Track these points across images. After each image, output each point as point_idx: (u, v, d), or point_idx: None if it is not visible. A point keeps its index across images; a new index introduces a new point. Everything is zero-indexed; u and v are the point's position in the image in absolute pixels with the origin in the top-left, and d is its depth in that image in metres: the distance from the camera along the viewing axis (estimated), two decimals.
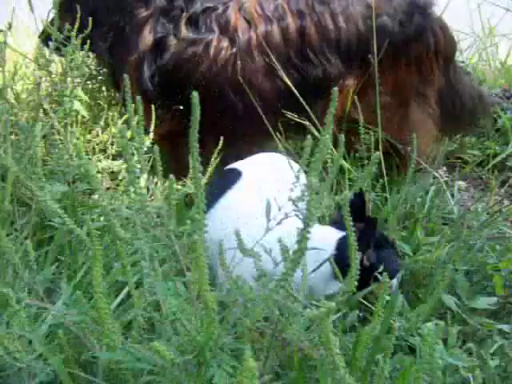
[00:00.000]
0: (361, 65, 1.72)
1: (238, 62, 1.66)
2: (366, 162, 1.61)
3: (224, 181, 1.36)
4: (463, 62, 2.73)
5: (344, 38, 1.71)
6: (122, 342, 0.71)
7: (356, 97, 1.72)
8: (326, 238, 1.14)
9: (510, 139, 2.25)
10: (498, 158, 2.19)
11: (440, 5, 1.94)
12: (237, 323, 0.71)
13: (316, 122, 1.60)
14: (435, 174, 1.78)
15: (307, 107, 1.60)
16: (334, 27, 1.70)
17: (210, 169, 1.53)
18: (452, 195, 1.99)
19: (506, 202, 2.09)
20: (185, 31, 1.66)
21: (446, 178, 2.22)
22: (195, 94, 0.67)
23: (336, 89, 0.83)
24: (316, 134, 1.64)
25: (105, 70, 1.96)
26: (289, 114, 1.65)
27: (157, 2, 1.68)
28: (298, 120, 1.62)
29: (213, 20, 1.67)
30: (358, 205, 1.14)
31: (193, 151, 0.65)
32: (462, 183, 2.23)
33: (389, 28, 1.73)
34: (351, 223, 0.85)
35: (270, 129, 1.65)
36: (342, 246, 1.12)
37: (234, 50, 1.66)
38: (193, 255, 0.59)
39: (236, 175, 1.34)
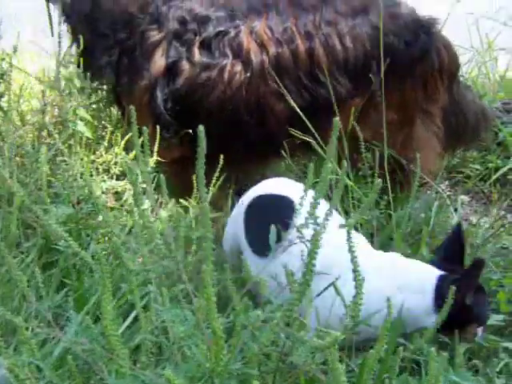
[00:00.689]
0: (368, 84, 1.75)
1: (252, 86, 1.68)
2: (370, 180, 1.62)
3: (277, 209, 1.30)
4: (463, 75, 2.74)
5: (351, 58, 1.74)
6: (131, 367, 0.72)
7: (363, 115, 1.74)
8: (425, 274, 1.20)
9: (511, 153, 2.26)
10: (500, 172, 2.20)
11: (439, 21, 1.96)
12: (244, 348, 0.72)
13: (320, 141, 1.62)
14: (438, 189, 1.79)
15: (312, 129, 1.62)
16: (342, 47, 1.73)
17: (213, 189, 1.54)
18: (455, 210, 2.01)
19: (508, 216, 2.10)
20: (198, 55, 1.69)
21: (448, 193, 2.24)
22: (201, 128, 0.68)
23: (337, 118, 0.86)
24: (321, 153, 1.66)
25: (104, 86, 1.96)
26: (298, 134, 1.67)
27: (170, 25, 1.70)
28: (307, 139, 1.64)
29: (226, 44, 1.69)
30: (454, 242, 1.24)
31: (200, 181, 0.66)
32: (464, 198, 2.24)
33: (395, 47, 1.76)
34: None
35: (284, 152, 1.67)
36: (441, 282, 1.18)
37: (248, 73, 1.69)
38: (202, 284, 0.60)
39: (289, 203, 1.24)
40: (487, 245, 1.70)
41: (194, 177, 1.42)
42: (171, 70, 1.68)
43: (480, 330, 1.21)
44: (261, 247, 1.17)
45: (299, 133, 1.65)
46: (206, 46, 1.68)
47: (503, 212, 2.11)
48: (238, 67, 1.67)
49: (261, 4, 1.74)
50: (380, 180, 0.90)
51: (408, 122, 1.83)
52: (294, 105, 1.62)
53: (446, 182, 2.29)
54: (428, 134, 1.88)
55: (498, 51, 2.86)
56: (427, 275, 1.20)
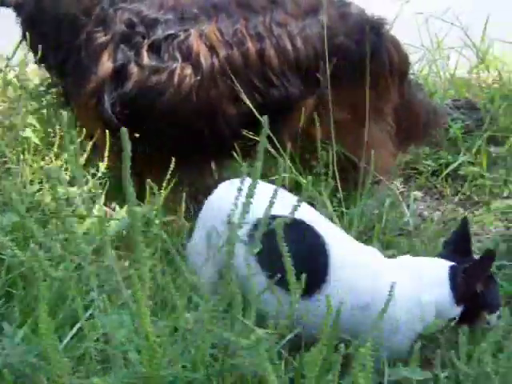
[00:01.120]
0: (320, 84, 1.76)
1: (203, 89, 1.67)
2: (324, 178, 1.64)
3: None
4: (414, 74, 2.80)
5: (303, 59, 1.74)
6: (71, 377, 0.70)
7: (316, 114, 1.76)
8: (438, 268, 1.27)
9: (461, 149, 2.32)
10: (451, 167, 2.25)
11: (388, 20, 1.99)
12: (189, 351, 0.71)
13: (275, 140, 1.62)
14: (390, 186, 1.82)
15: (269, 131, 1.61)
16: (293, 48, 1.74)
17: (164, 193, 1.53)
18: (408, 206, 2.04)
19: (460, 210, 2.15)
20: (147, 59, 1.67)
21: (402, 190, 2.28)
22: (124, 130, 0.67)
23: (265, 116, 0.87)
24: (274, 153, 1.67)
25: (54, 89, 1.93)
26: (250, 135, 1.67)
27: (116, 27, 1.68)
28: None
29: (175, 47, 1.67)
30: (462, 236, 1.32)
31: (127, 185, 0.65)
32: (418, 193, 2.28)
33: (345, 47, 1.78)
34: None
35: (235, 154, 1.66)
36: (454, 273, 1.24)
37: (198, 77, 1.68)
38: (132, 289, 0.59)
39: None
40: (439, 238, 1.73)
41: (148, 181, 1.43)
42: (119, 74, 1.65)
43: (494, 317, 1.26)
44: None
45: (251, 134, 1.65)
46: (154, 49, 1.66)
47: (455, 206, 2.17)
48: (188, 70, 1.66)
49: (210, 7, 1.73)
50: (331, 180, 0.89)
51: (360, 121, 1.85)
52: (251, 105, 1.61)
53: (401, 179, 2.32)
54: (381, 133, 1.91)
55: (448, 50, 2.93)
56: (441, 268, 1.26)
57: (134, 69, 1.65)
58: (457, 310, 1.24)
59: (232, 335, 0.68)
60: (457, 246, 1.32)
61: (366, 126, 1.82)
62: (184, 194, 1.76)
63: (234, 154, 1.68)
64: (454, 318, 1.24)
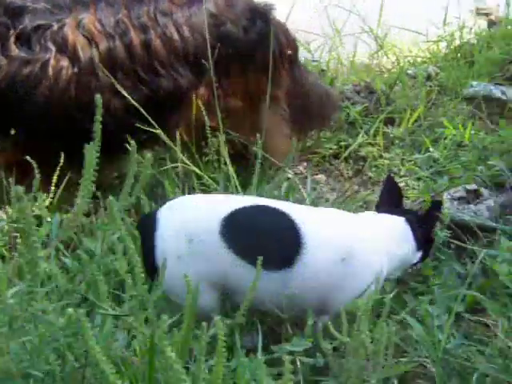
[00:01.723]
0: (211, 73, 1.74)
1: (82, 81, 1.61)
2: (217, 165, 1.64)
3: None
4: (316, 61, 2.87)
5: (191, 48, 1.72)
6: None
7: (209, 103, 1.75)
8: (395, 222, 1.39)
9: (359, 131, 2.39)
10: (350, 149, 2.32)
11: (285, 9, 2.01)
12: None
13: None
14: (287, 169, 1.85)
15: (153, 122, 1.59)
16: (180, 38, 1.71)
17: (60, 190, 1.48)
18: (314, 189, 2.09)
19: (361, 190, 2.22)
20: (16, 50, 1.58)
21: (306, 174, 2.32)
22: None
23: (98, 95, 0.85)
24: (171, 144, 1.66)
25: None
26: (143, 127, 1.63)
27: None
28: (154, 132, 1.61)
29: (48, 38, 1.60)
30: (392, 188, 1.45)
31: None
32: (321, 176, 2.34)
33: (234, 35, 1.77)
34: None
35: (130, 146, 1.61)
36: (412, 225, 1.38)
37: (76, 69, 1.62)
38: None
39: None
40: None
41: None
42: None
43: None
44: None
45: (142, 125, 1.62)
46: (24, 40, 1.58)
47: (356, 187, 2.24)
48: (64, 62, 1.60)
49: None
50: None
51: (254, 108, 1.87)
52: (129, 97, 1.58)
53: (304, 163, 2.37)
54: (275, 118, 1.93)
55: (348, 37, 3.02)
56: (401, 222, 1.38)
57: (2, 61, 1.56)
58: (418, 256, 1.39)
59: None
60: (390, 199, 1.44)
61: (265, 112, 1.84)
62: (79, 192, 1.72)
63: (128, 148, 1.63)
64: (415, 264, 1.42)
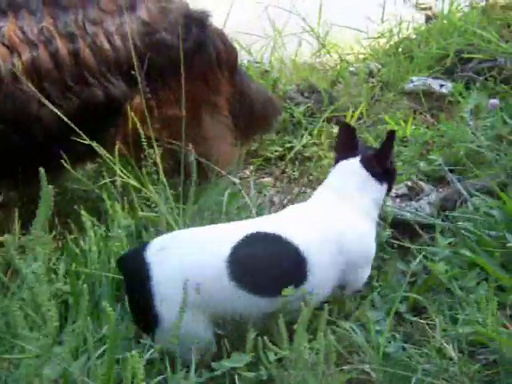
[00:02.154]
0: (147, 82, 1.69)
1: (5, 93, 1.55)
2: (156, 177, 1.60)
3: None
4: (259, 62, 2.86)
5: (123, 58, 1.67)
6: None
7: (148, 113, 1.71)
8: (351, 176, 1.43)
9: (303, 132, 2.40)
10: (295, 150, 2.32)
11: (223, 12, 1.98)
12: None
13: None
14: (232, 177, 1.83)
15: (83, 134, 1.54)
16: (111, 47, 1.66)
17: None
18: (260, 192, 2.08)
19: (308, 191, 2.22)
20: None
21: (253, 178, 2.31)
22: None
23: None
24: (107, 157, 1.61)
25: None
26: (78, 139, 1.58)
27: None
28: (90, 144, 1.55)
29: None
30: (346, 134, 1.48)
31: None
32: (268, 179, 2.34)
33: (168, 43, 1.73)
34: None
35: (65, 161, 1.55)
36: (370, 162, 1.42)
37: None
38: None
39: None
40: None
41: None
42: None
43: None
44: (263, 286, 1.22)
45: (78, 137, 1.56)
46: None
47: (303, 188, 2.24)
48: None
49: (5, 3, 1.60)
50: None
51: (195, 116, 1.83)
52: (55, 109, 1.51)
53: (251, 167, 2.36)
54: (218, 126, 1.90)
55: (290, 37, 3.02)
56: (354, 169, 1.42)
57: None
58: (384, 188, 1.44)
59: None
60: (345, 145, 1.47)
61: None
62: (16, 210, 1.66)
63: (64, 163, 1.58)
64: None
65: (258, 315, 1.24)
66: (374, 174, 1.41)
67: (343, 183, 1.44)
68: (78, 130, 1.53)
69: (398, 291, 1.26)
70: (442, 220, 1.62)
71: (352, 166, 1.43)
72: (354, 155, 1.44)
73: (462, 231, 1.45)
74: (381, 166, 1.42)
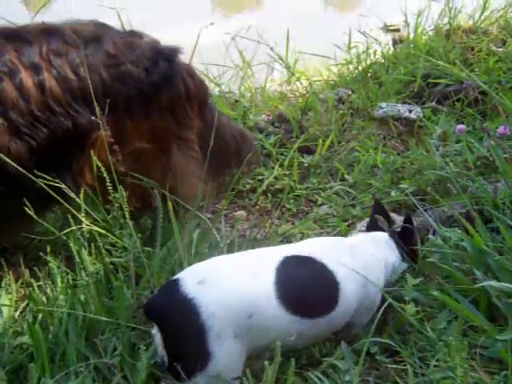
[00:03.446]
0: (113, 114, 1.68)
1: None
2: (123, 221, 1.57)
3: None
4: (229, 92, 2.87)
5: (88, 88, 1.64)
6: None
7: (115, 146, 1.68)
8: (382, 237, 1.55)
9: (275, 163, 2.39)
10: (266, 182, 2.31)
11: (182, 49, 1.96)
12: None
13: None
14: (199, 214, 1.80)
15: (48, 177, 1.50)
16: (77, 78, 1.65)
17: None
18: (233, 227, 2.05)
19: (282, 223, 2.20)
20: None
21: (225, 212, 2.29)
22: None
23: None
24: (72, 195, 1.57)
25: None
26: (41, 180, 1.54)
27: None
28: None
29: None
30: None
31: None
32: (241, 213, 2.31)
33: (134, 74, 1.72)
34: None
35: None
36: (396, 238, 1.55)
37: None
38: None
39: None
40: None
41: None
42: None
43: None
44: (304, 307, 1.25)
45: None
46: None
47: (277, 220, 2.22)
48: None
49: None
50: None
51: (163, 150, 1.81)
52: (17, 144, 1.49)
53: (223, 201, 2.34)
54: (187, 161, 1.88)
55: (259, 66, 3.04)
56: (384, 237, 1.55)
57: None
58: (404, 265, 1.54)
59: None
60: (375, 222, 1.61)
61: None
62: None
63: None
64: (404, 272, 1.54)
65: (300, 340, 1.25)
66: (399, 250, 1.54)
67: (379, 244, 1.54)
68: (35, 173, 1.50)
69: (369, 332, 1.24)
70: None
71: (385, 237, 1.56)
72: (381, 231, 1.58)
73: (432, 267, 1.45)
74: (406, 245, 1.55)
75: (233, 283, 1.21)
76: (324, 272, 1.31)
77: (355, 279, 1.35)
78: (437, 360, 1.13)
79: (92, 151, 1.66)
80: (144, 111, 1.75)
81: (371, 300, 1.40)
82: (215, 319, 1.13)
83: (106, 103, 1.62)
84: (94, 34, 1.73)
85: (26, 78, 1.60)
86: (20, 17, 2.18)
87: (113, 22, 2.63)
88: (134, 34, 1.84)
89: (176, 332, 1.14)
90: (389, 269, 1.48)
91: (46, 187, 1.54)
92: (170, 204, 1.66)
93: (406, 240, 1.55)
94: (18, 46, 1.63)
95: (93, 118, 1.61)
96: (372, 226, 1.63)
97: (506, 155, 1.87)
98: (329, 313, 1.29)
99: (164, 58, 1.79)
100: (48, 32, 1.69)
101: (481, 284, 1.26)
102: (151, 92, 1.75)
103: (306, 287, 1.28)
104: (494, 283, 1.25)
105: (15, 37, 1.66)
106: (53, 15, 2.09)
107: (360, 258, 1.42)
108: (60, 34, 1.69)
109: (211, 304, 1.14)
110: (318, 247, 1.43)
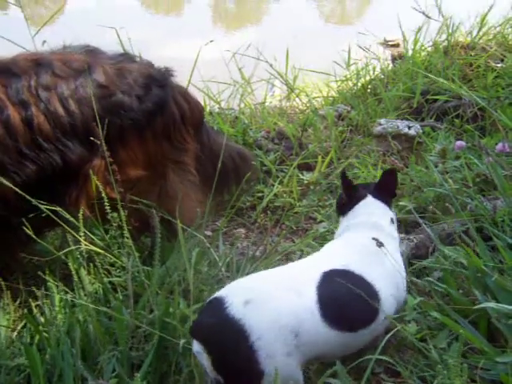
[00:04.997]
0: (106, 144, 1.63)
1: None
2: (120, 240, 1.57)
3: None
4: (229, 109, 2.87)
5: (79, 122, 1.63)
6: None
7: (110, 175, 1.67)
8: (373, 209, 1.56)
9: (274, 181, 2.39)
10: (266, 200, 2.30)
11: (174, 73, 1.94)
12: None
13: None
14: (197, 234, 1.79)
15: (38, 204, 1.50)
16: (66, 112, 1.62)
17: None
18: (233, 245, 2.04)
19: (282, 241, 2.20)
20: None
21: (225, 229, 2.28)
22: None
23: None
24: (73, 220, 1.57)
25: None
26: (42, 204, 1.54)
27: None
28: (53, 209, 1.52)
29: None
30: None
31: None
32: (240, 230, 2.31)
33: (126, 104, 1.69)
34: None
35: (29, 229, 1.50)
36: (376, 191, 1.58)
37: None
38: None
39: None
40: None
41: None
42: None
43: None
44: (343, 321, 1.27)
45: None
46: None
47: (276, 238, 2.21)
48: None
49: None
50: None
51: (159, 176, 1.80)
52: (5, 182, 1.48)
53: (223, 219, 2.33)
54: (184, 184, 1.86)
55: (259, 83, 3.05)
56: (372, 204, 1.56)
57: None
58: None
59: None
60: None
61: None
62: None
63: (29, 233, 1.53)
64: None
65: (343, 353, 1.31)
66: (382, 200, 1.56)
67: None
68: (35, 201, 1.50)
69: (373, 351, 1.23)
70: (412, 272, 1.61)
71: (373, 206, 1.55)
72: (364, 192, 1.58)
73: (432, 287, 1.44)
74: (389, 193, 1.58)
75: (278, 304, 1.23)
76: (363, 285, 1.33)
77: (390, 284, 1.38)
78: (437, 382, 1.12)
79: (87, 182, 1.66)
80: (138, 139, 1.73)
81: (402, 295, 1.42)
82: (263, 341, 1.16)
83: (97, 136, 1.59)
84: (84, 64, 1.69)
85: (13, 115, 1.58)
86: (21, 37, 2.20)
87: (112, 39, 2.66)
88: (125, 57, 1.81)
89: (226, 354, 1.17)
90: (396, 237, 1.53)
91: (45, 209, 1.53)
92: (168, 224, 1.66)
93: (385, 186, 1.56)
94: (5, 81, 1.61)
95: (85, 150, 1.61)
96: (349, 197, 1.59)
97: (505, 172, 1.87)
98: (371, 323, 1.31)
99: (157, 84, 1.75)
100: (37, 63, 1.66)
101: (480, 306, 1.25)
102: (145, 120, 1.72)
103: (347, 303, 1.30)
104: (493, 305, 1.24)
105: (3, 70, 1.64)
106: (54, 34, 2.10)
107: (385, 259, 1.40)
108: (49, 66, 1.66)
109: (259, 326, 1.17)
110: (351, 259, 1.41)
